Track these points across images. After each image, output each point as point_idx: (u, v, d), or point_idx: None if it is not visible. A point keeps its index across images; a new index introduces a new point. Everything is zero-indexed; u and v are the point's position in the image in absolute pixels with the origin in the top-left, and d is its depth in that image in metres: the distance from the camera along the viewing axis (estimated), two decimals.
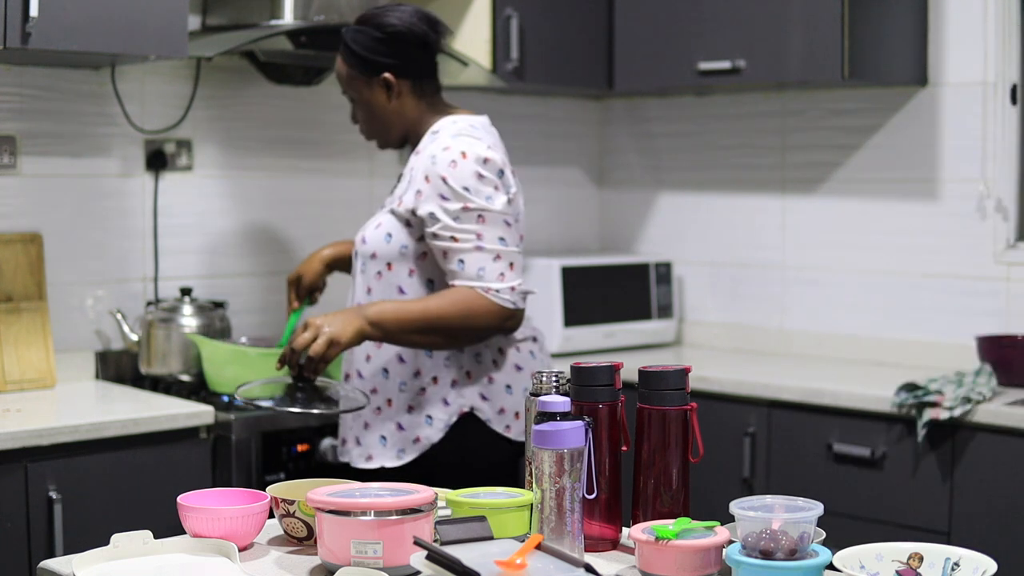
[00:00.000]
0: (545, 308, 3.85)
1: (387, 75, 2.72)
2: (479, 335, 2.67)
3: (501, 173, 2.65)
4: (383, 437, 2.74)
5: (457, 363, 2.71)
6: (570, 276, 3.89)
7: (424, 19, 2.73)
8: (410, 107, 2.76)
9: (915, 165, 3.67)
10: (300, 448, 3.07)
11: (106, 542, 1.79)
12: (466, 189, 2.60)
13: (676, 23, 3.75)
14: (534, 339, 2.81)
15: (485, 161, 2.63)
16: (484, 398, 2.72)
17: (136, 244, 3.43)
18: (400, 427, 2.72)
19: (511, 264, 2.63)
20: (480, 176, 2.62)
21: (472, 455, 2.73)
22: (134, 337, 3.28)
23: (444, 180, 2.61)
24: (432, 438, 2.71)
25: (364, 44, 2.72)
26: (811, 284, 3.90)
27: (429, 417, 2.71)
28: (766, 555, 1.61)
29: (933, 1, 3.60)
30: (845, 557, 1.67)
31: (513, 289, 2.63)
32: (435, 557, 1.54)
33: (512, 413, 2.74)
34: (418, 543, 1.58)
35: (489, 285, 2.60)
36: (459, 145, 2.63)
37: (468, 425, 2.72)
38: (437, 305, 2.61)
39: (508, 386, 2.74)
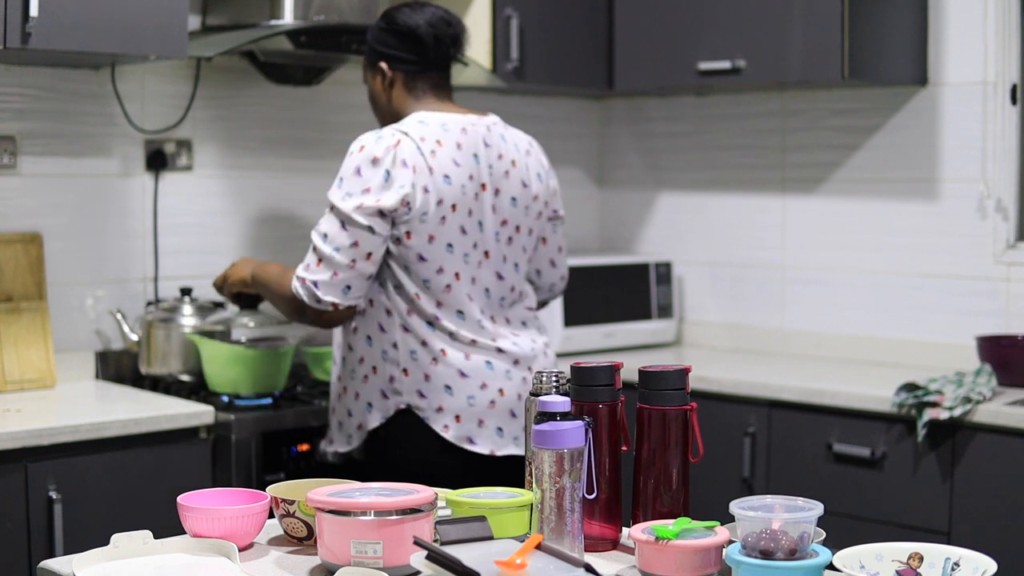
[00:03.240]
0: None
1: (382, 64, 2.82)
2: (286, 311, 2.81)
3: (387, 175, 2.64)
4: (339, 423, 2.85)
5: (394, 358, 2.73)
6: (570, 276, 3.88)
7: (438, 21, 2.79)
8: (398, 98, 2.83)
9: (915, 165, 3.67)
10: (300, 448, 3.07)
11: (106, 542, 1.79)
12: (340, 179, 2.69)
13: (676, 23, 3.75)
14: (499, 350, 2.76)
15: (373, 160, 2.65)
16: (422, 395, 2.72)
17: (136, 244, 3.43)
18: (349, 413, 2.81)
19: (320, 260, 2.66)
20: (357, 172, 2.66)
21: (408, 450, 2.75)
22: (134, 337, 3.28)
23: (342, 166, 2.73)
24: (370, 425, 2.77)
25: (373, 34, 2.85)
26: (811, 284, 3.90)
27: (369, 405, 2.78)
28: (766, 555, 1.61)
29: (933, 1, 3.60)
30: (845, 557, 1.67)
31: (303, 281, 2.67)
32: (435, 557, 1.54)
33: (452, 415, 2.71)
34: (418, 543, 1.59)
35: (297, 270, 2.71)
36: (366, 139, 2.70)
37: (406, 420, 2.74)
38: (273, 275, 2.87)
39: (448, 387, 2.71)
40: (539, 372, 1.92)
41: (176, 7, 2.97)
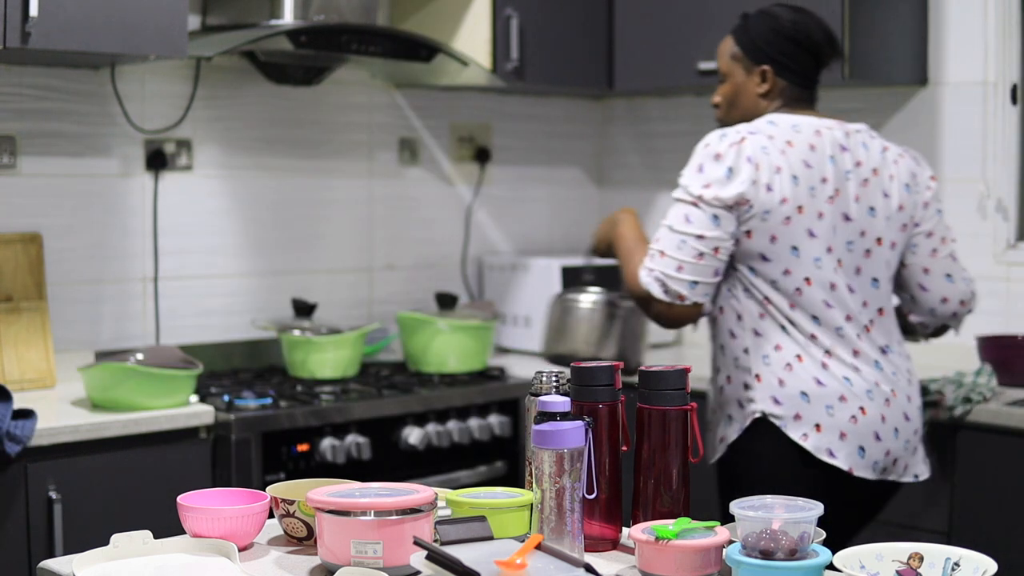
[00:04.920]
0: (545, 308, 3.85)
1: (766, 67, 2.73)
2: (632, 297, 2.73)
3: (729, 171, 2.59)
4: (712, 433, 2.77)
5: (746, 365, 2.65)
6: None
7: (832, 40, 2.75)
8: (767, 103, 2.75)
9: None
10: (300, 448, 3.07)
11: (106, 542, 1.79)
12: (683, 175, 2.65)
13: (676, 23, 3.75)
14: (855, 367, 2.62)
15: (716, 156, 2.61)
16: (777, 402, 2.61)
17: (136, 244, 3.43)
18: (717, 424, 2.74)
19: (663, 252, 2.61)
20: (700, 168, 2.62)
21: (764, 461, 2.64)
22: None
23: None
24: (730, 438, 2.67)
25: (761, 33, 2.74)
26: None
27: (729, 417, 2.69)
28: (766, 555, 1.61)
29: (933, 1, 3.60)
30: (845, 557, 1.67)
31: (651, 271, 2.62)
32: (435, 557, 1.54)
33: (812, 424, 2.58)
34: (418, 543, 1.58)
35: (644, 261, 2.66)
36: (711, 137, 2.66)
37: (762, 430, 2.63)
38: (624, 253, 2.78)
39: (804, 393, 2.59)
40: (539, 372, 1.92)
41: (176, 7, 2.97)
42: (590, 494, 1.77)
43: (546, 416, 1.78)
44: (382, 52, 3.41)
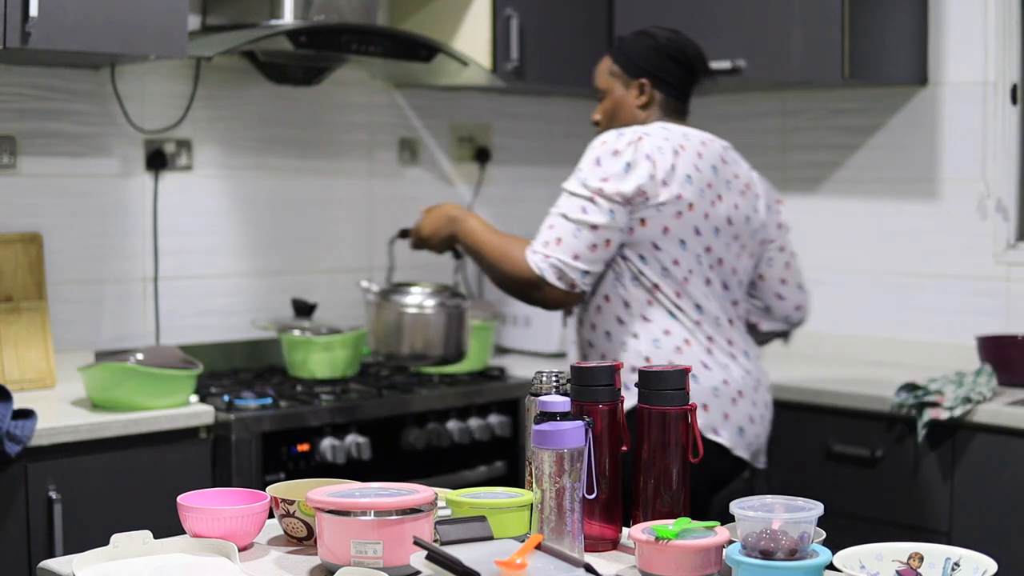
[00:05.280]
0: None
1: (644, 81, 2.87)
2: (504, 283, 2.79)
3: (627, 166, 2.69)
4: None
5: (636, 348, 2.74)
6: None
7: (702, 55, 2.91)
8: (647, 115, 2.88)
9: (915, 165, 3.67)
10: (300, 448, 3.07)
11: (106, 542, 1.79)
12: (579, 169, 2.74)
13: (676, 23, 3.74)
14: (732, 355, 2.78)
15: (614, 152, 2.71)
16: None
17: (136, 244, 3.43)
18: None
19: (559, 239, 2.69)
20: (597, 162, 2.71)
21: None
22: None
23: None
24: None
25: (638, 51, 2.90)
26: (811, 284, 3.89)
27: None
28: (766, 555, 1.61)
29: (933, 1, 3.60)
30: (845, 557, 1.67)
31: (547, 257, 2.68)
32: (435, 557, 1.54)
33: (701, 404, 2.68)
34: (418, 543, 1.59)
35: (534, 246, 2.72)
36: (608, 135, 2.76)
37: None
38: (494, 244, 2.82)
39: (693, 375, 2.68)
40: (539, 372, 1.92)
41: (176, 7, 2.97)
42: (590, 494, 1.77)
43: (546, 416, 1.78)
44: (382, 52, 3.41)
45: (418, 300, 3.19)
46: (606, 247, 2.69)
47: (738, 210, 2.83)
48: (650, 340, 2.73)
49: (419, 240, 3.04)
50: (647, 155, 2.69)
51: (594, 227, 2.67)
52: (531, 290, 2.75)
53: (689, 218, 2.72)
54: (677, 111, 2.90)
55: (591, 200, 2.67)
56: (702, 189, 2.74)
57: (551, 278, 2.69)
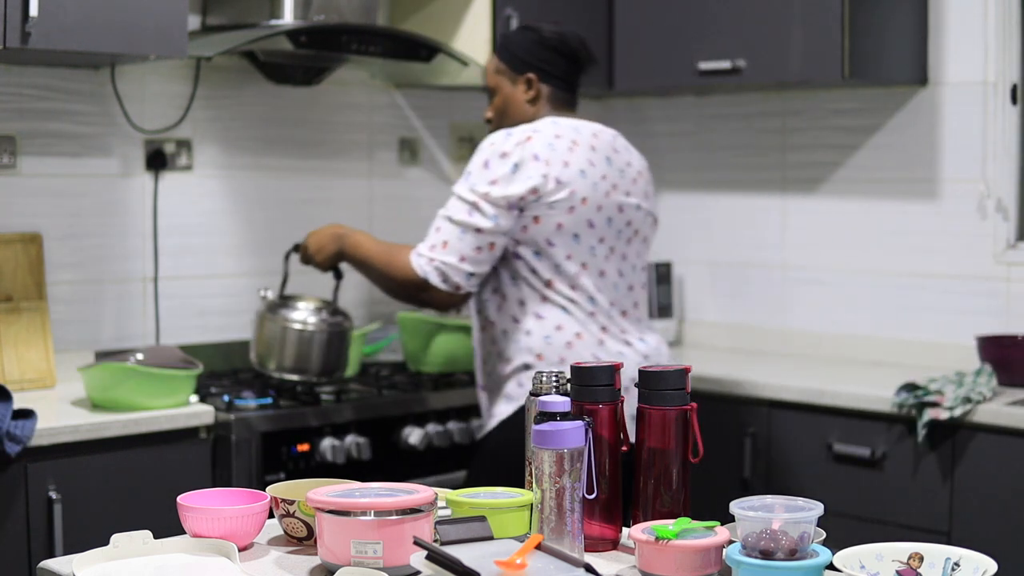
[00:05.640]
0: None
1: (531, 75, 2.92)
2: (392, 289, 2.88)
3: (515, 167, 2.74)
4: (484, 410, 2.99)
5: (528, 346, 2.80)
6: None
7: (585, 44, 2.95)
8: (537, 109, 2.94)
9: (915, 165, 3.67)
10: (300, 448, 3.07)
11: (106, 542, 1.79)
12: (468, 172, 2.79)
13: (676, 23, 3.75)
14: (627, 343, 2.84)
15: (502, 155, 2.76)
16: None
17: (136, 244, 3.43)
18: (489, 402, 2.91)
19: (445, 243, 2.75)
20: (485, 165, 2.77)
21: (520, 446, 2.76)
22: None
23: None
24: (504, 414, 2.84)
25: (522, 45, 2.94)
26: (811, 284, 3.90)
27: (508, 396, 2.86)
28: (766, 555, 1.61)
29: (933, 1, 3.60)
30: (845, 557, 1.67)
31: (432, 260, 2.76)
32: (435, 557, 1.54)
33: None
34: (418, 543, 1.59)
35: (419, 249, 2.80)
36: (496, 136, 2.81)
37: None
38: (379, 252, 2.91)
39: None
40: (539, 372, 1.92)
41: (176, 7, 2.97)
42: (590, 494, 1.77)
43: (546, 416, 1.78)
44: (382, 52, 3.41)
45: (302, 316, 3.19)
46: (491, 249, 2.75)
47: (630, 197, 2.90)
48: (542, 336, 2.79)
49: (306, 257, 3.13)
50: (535, 155, 2.75)
51: (479, 230, 2.73)
52: (417, 293, 2.83)
53: (582, 212, 2.79)
54: (567, 103, 2.95)
55: (476, 204, 2.73)
56: (595, 182, 2.81)
57: (435, 280, 2.76)
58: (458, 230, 2.75)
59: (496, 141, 2.80)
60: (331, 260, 3.08)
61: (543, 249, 2.78)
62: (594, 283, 2.83)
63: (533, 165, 2.75)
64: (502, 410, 2.86)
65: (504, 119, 2.96)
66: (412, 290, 2.83)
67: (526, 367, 2.82)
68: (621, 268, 2.90)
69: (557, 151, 2.78)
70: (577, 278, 2.81)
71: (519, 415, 2.79)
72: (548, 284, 2.80)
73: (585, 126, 2.89)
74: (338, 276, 3.21)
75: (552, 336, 2.80)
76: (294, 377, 3.17)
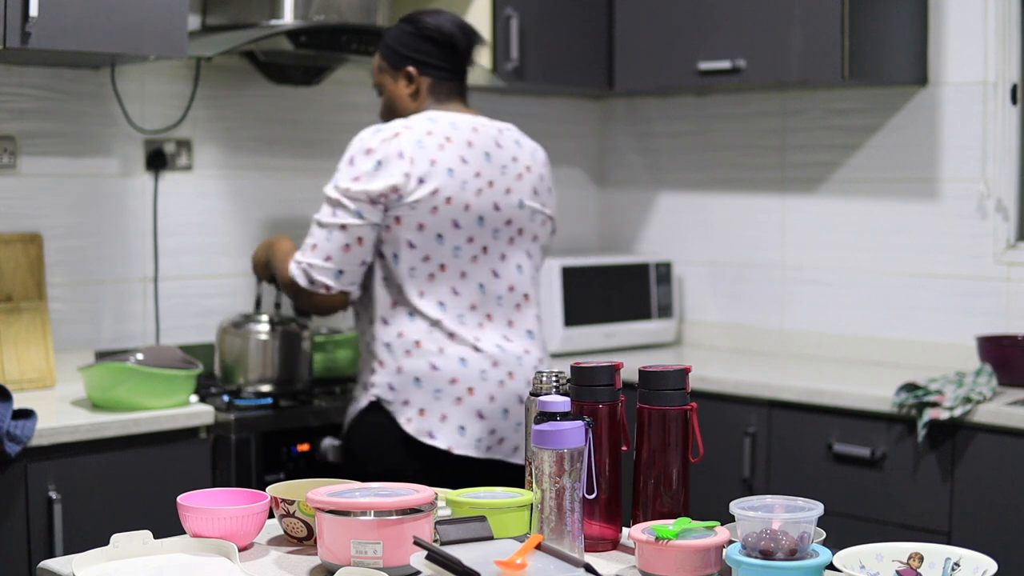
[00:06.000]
0: (545, 308, 3.85)
1: (411, 69, 2.86)
2: (287, 294, 2.85)
3: (378, 164, 2.71)
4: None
5: (373, 351, 2.79)
6: (570, 276, 3.89)
7: (465, 29, 2.87)
8: (421, 103, 2.87)
9: (915, 165, 3.67)
10: (300, 448, 3.07)
11: (106, 542, 1.79)
12: (337, 169, 2.77)
13: (676, 23, 3.75)
14: (476, 348, 2.77)
15: (367, 151, 2.73)
16: (391, 388, 2.75)
17: (136, 244, 3.43)
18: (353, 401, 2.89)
19: (314, 245, 2.74)
20: (351, 161, 2.74)
21: (377, 442, 2.78)
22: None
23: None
24: (350, 416, 2.84)
25: (399, 38, 2.88)
26: (811, 284, 3.90)
27: (355, 397, 2.85)
28: (766, 555, 1.61)
29: (933, 1, 3.60)
30: (845, 557, 1.67)
31: (299, 263, 2.75)
32: (435, 557, 1.54)
33: (417, 408, 2.73)
34: (418, 543, 1.59)
35: (296, 254, 2.79)
36: (365, 132, 2.78)
37: (377, 412, 2.77)
38: (279, 258, 2.90)
39: (417, 379, 2.74)
40: (539, 372, 1.92)
41: (176, 7, 2.97)
42: (590, 494, 1.77)
43: (546, 416, 1.78)
44: None
45: (260, 328, 3.19)
46: (360, 244, 2.73)
47: (510, 194, 2.83)
48: (383, 344, 2.77)
49: (255, 272, 3.14)
50: (400, 152, 2.71)
51: (344, 227, 2.71)
52: (295, 297, 2.83)
53: (447, 212, 2.74)
54: (453, 93, 2.88)
55: (339, 202, 2.72)
56: (466, 180, 2.76)
57: (303, 283, 2.75)
58: (324, 231, 2.73)
59: (364, 137, 2.75)
60: (266, 271, 3.06)
61: (403, 251, 2.73)
62: (451, 287, 2.76)
63: (396, 163, 2.70)
64: (352, 410, 2.84)
65: (392, 116, 2.89)
66: (291, 294, 2.83)
67: (372, 371, 2.78)
68: (497, 269, 2.82)
69: (425, 148, 2.73)
70: (430, 281, 2.75)
71: (362, 419, 2.79)
72: (399, 289, 2.75)
73: (465, 120, 2.82)
74: (275, 284, 3.13)
75: (393, 343, 2.75)
76: (263, 388, 3.16)
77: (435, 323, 2.75)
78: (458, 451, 2.74)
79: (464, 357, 2.76)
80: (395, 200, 2.71)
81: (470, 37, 2.87)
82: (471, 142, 2.79)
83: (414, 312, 2.75)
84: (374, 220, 2.72)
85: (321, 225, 2.74)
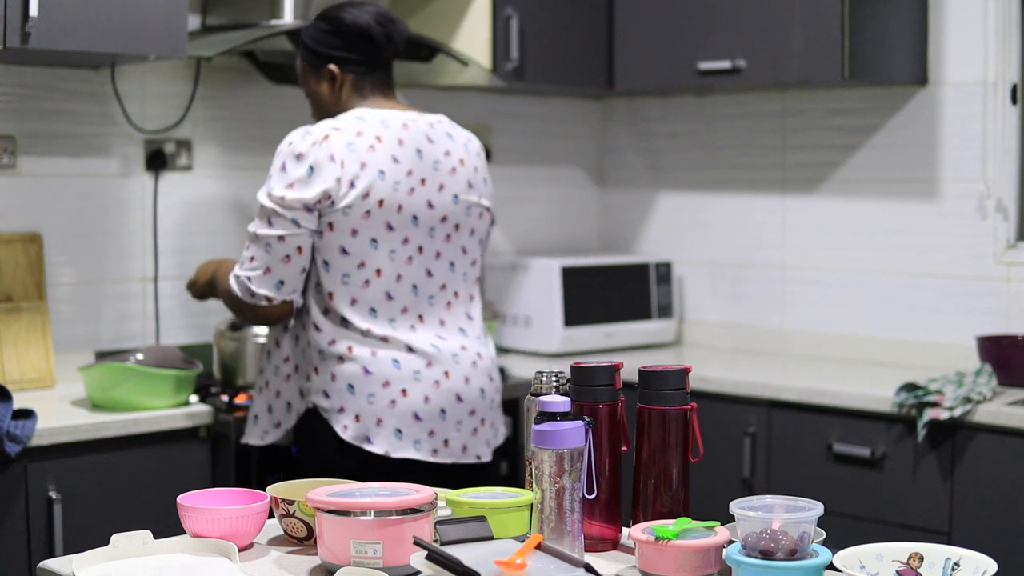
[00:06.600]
0: (545, 308, 3.85)
1: (331, 67, 2.79)
2: (230, 309, 2.78)
3: (311, 170, 2.64)
4: (255, 416, 2.84)
5: (308, 357, 2.72)
6: (570, 276, 3.89)
7: (384, 19, 2.78)
8: (346, 100, 2.80)
9: (915, 165, 3.67)
10: None
11: (106, 542, 1.79)
12: (269, 176, 2.70)
13: (676, 23, 3.75)
14: (409, 348, 2.71)
15: (298, 156, 2.66)
16: (327, 395, 2.69)
17: (136, 244, 3.43)
18: (269, 409, 2.81)
19: (252, 256, 2.68)
20: (283, 168, 2.67)
21: (316, 449, 2.74)
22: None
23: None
24: (288, 424, 2.77)
25: (314, 36, 2.80)
26: (811, 284, 3.90)
27: (289, 404, 2.77)
28: (766, 555, 1.61)
29: (933, 1, 3.60)
30: (845, 557, 1.67)
31: (238, 277, 2.68)
32: (435, 557, 1.54)
33: (352, 415, 2.68)
34: (418, 543, 1.59)
35: (235, 268, 2.72)
36: (294, 135, 2.71)
37: (314, 420, 2.73)
38: (220, 275, 2.84)
39: (351, 386, 2.68)
40: (539, 372, 1.92)
41: (176, 7, 2.97)
42: (590, 494, 1.77)
43: (546, 416, 1.78)
44: None
45: (257, 331, 3.19)
46: (299, 253, 2.65)
47: (443, 190, 2.75)
48: (316, 351, 2.70)
49: (192, 289, 3.02)
50: (331, 156, 2.63)
51: (281, 239, 2.64)
52: (238, 310, 2.76)
53: (379, 215, 2.66)
54: (379, 86, 2.80)
55: (274, 211, 2.64)
56: (398, 181, 2.68)
57: (243, 296, 2.68)
58: (262, 244, 2.65)
59: (294, 140, 2.67)
60: (209, 288, 2.93)
61: (334, 258, 2.66)
62: (386, 291, 2.69)
63: (328, 168, 2.62)
64: (287, 420, 2.77)
65: (322, 116, 2.82)
66: (234, 309, 2.76)
67: (308, 378, 2.72)
68: (431, 268, 2.74)
69: (356, 151, 2.64)
70: (364, 288, 2.67)
71: (300, 427, 2.75)
72: (330, 296, 2.67)
73: (395, 117, 2.73)
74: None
75: (325, 351, 2.68)
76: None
77: (366, 332, 2.68)
78: (396, 455, 2.67)
79: (397, 359, 2.69)
80: (328, 206, 2.63)
81: (388, 27, 2.78)
82: (402, 140, 2.71)
83: (345, 320, 2.68)
84: (311, 227, 2.64)
85: (257, 237, 2.65)
